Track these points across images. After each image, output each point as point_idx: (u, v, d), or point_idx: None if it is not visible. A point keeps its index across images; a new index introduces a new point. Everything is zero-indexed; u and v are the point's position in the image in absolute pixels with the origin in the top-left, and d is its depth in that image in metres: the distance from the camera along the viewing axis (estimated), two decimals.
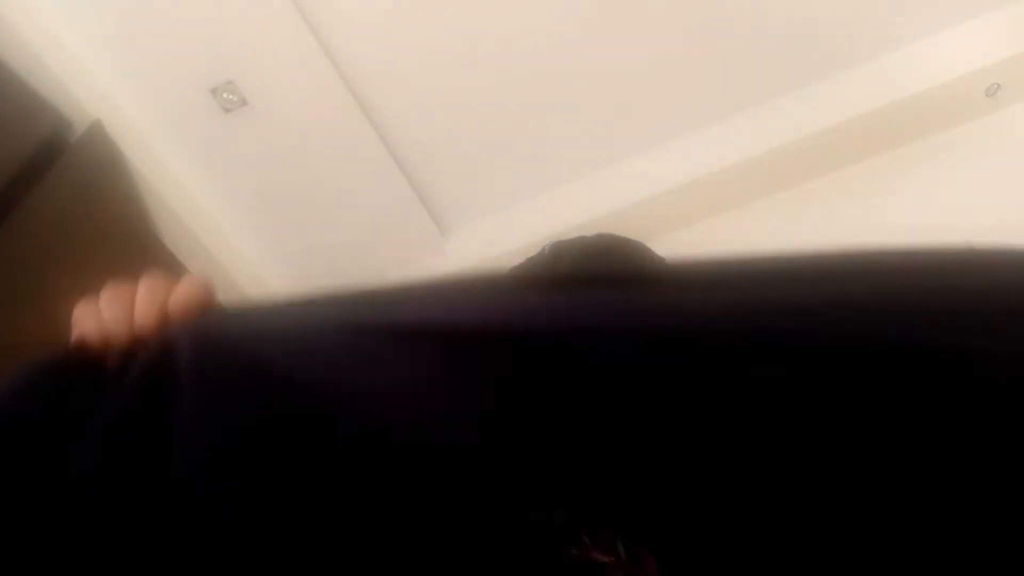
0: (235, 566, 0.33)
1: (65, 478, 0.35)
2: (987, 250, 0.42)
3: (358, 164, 1.64)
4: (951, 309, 0.36)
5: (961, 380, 0.32)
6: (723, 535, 0.33)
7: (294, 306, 0.48)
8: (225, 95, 1.51)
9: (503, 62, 1.57)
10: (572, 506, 0.34)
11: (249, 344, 0.43)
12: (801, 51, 1.58)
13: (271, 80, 1.51)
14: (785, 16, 1.52)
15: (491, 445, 0.36)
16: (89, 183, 1.41)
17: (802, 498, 0.32)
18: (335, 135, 1.59)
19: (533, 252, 0.76)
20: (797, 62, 1.59)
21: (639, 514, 0.34)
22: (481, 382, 0.38)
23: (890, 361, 0.33)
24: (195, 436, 0.37)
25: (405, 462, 0.36)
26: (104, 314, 0.48)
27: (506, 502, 0.35)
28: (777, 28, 1.54)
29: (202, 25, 1.43)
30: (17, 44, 1.35)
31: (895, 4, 1.51)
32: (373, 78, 1.56)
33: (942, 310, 0.36)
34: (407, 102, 1.61)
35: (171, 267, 1.59)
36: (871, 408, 0.32)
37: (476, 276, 0.46)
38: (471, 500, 0.35)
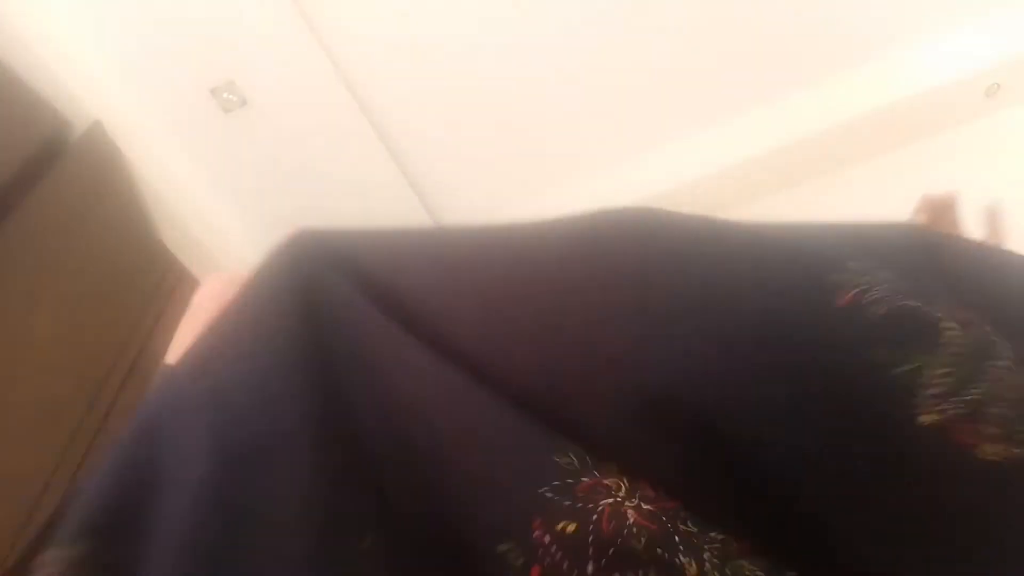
0: None
1: None
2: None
3: (358, 164, 1.64)
4: None
5: None
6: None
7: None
8: (225, 95, 1.51)
9: (503, 62, 1.57)
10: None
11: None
12: (801, 51, 1.57)
13: (271, 80, 1.51)
14: (784, 17, 1.52)
15: None
16: (89, 183, 1.41)
17: None
18: (335, 135, 1.59)
19: None
20: (796, 63, 1.59)
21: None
22: None
23: None
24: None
25: None
26: None
27: None
28: (775, 29, 1.54)
29: (202, 25, 1.43)
30: (17, 44, 1.35)
31: (895, 4, 1.51)
32: (373, 78, 1.56)
33: None
34: (407, 102, 1.61)
35: (171, 267, 1.59)
36: None
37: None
38: None
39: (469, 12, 1.49)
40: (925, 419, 0.36)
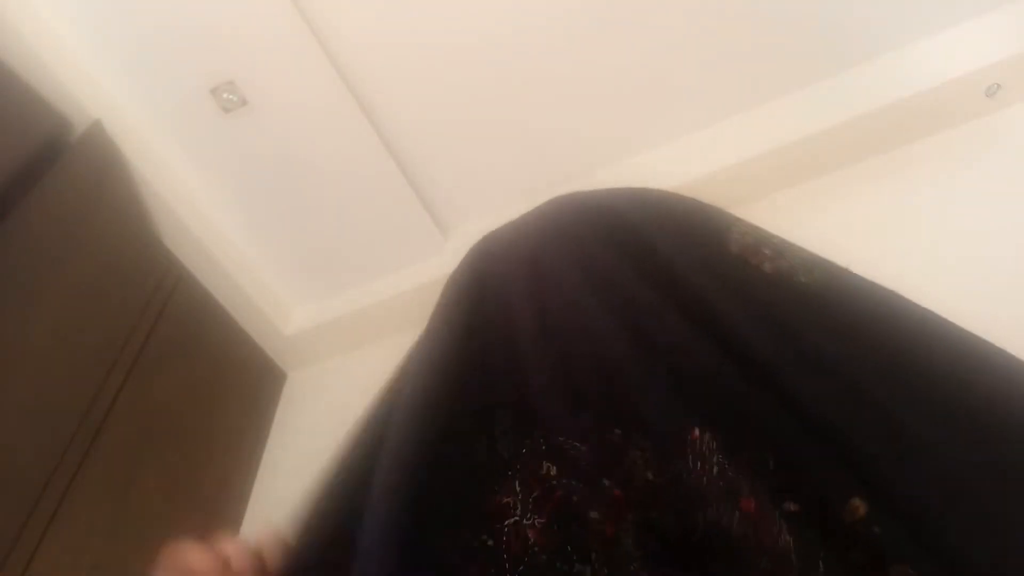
0: None
1: None
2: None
3: (358, 164, 1.64)
4: None
5: None
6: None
7: None
8: (225, 95, 1.51)
9: (503, 62, 1.57)
10: None
11: None
12: (801, 51, 1.58)
13: (271, 80, 1.51)
14: (784, 17, 1.52)
15: None
16: (89, 183, 1.41)
17: None
18: (335, 135, 1.59)
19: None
20: (796, 62, 1.59)
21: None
22: None
23: None
24: None
25: None
26: None
27: None
28: (775, 29, 1.54)
29: (202, 25, 1.43)
30: (17, 44, 1.35)
31: (895, 4, 1.51)
32: (373, 78, 1.56)
33: None
34: (407, 102, 1.61)
35: (171, 267, 1.59)
36: None
37: None
38: None
39: (470, 11, 1.49)
40: (733, 248, 0.62)
